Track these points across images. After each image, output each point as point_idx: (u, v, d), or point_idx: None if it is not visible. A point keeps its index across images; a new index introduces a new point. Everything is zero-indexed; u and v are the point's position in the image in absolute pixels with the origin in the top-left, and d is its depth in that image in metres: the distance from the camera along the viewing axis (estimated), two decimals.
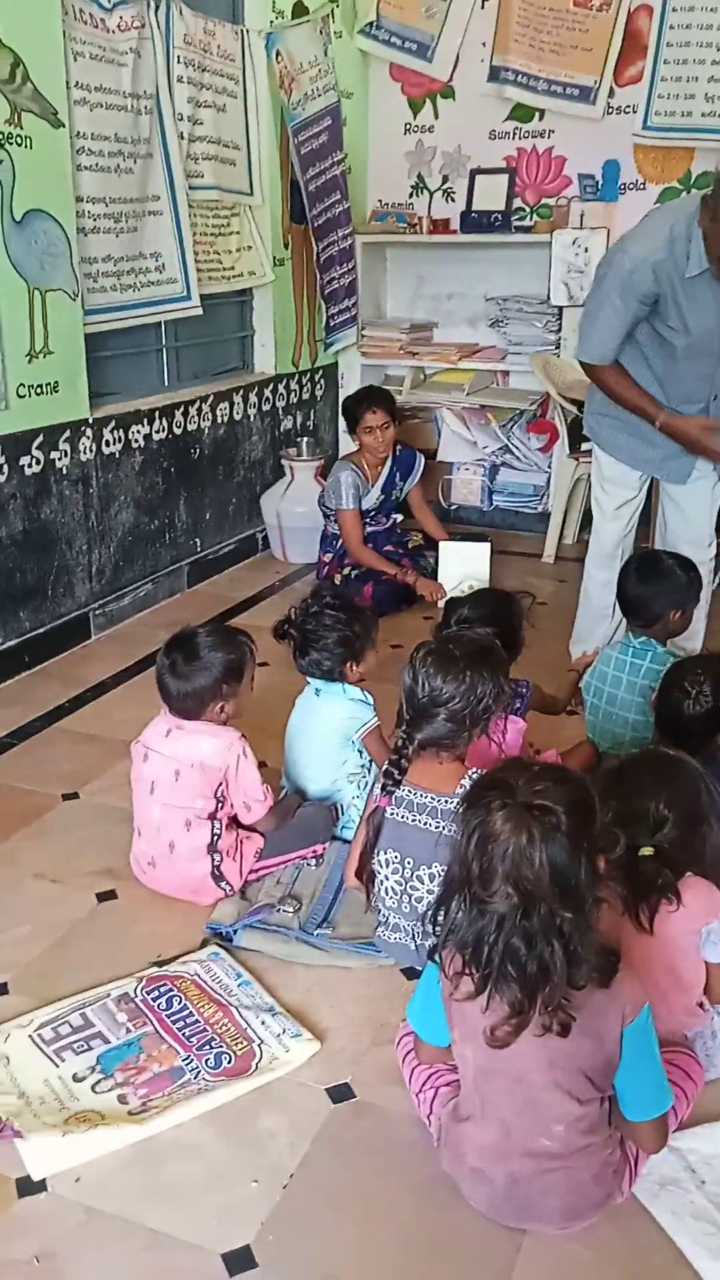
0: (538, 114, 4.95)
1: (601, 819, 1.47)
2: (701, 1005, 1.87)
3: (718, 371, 2.99)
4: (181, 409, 4.23)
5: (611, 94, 4.77)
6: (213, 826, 2.31)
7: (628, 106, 4.75)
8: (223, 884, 2.33)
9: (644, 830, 1.75)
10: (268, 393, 4.86)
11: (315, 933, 2.22)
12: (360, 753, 2.59)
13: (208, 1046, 1.91)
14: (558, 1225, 1.56)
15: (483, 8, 4.86)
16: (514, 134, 5.04)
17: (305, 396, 5.20)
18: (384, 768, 2.09)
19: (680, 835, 1.76)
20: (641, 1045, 1.49)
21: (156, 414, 4.08)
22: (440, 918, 1.53)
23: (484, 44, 4.90)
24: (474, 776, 2.02)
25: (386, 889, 2.11)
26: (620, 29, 4.65)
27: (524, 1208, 1.55)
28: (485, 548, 4.19)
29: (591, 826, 1.44)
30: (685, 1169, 1.68)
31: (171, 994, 2.04)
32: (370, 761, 2.59)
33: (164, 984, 2.07)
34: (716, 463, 3.11)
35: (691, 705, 2.26)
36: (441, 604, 3.92)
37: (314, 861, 2.43)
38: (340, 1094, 1.84)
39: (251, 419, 4.76)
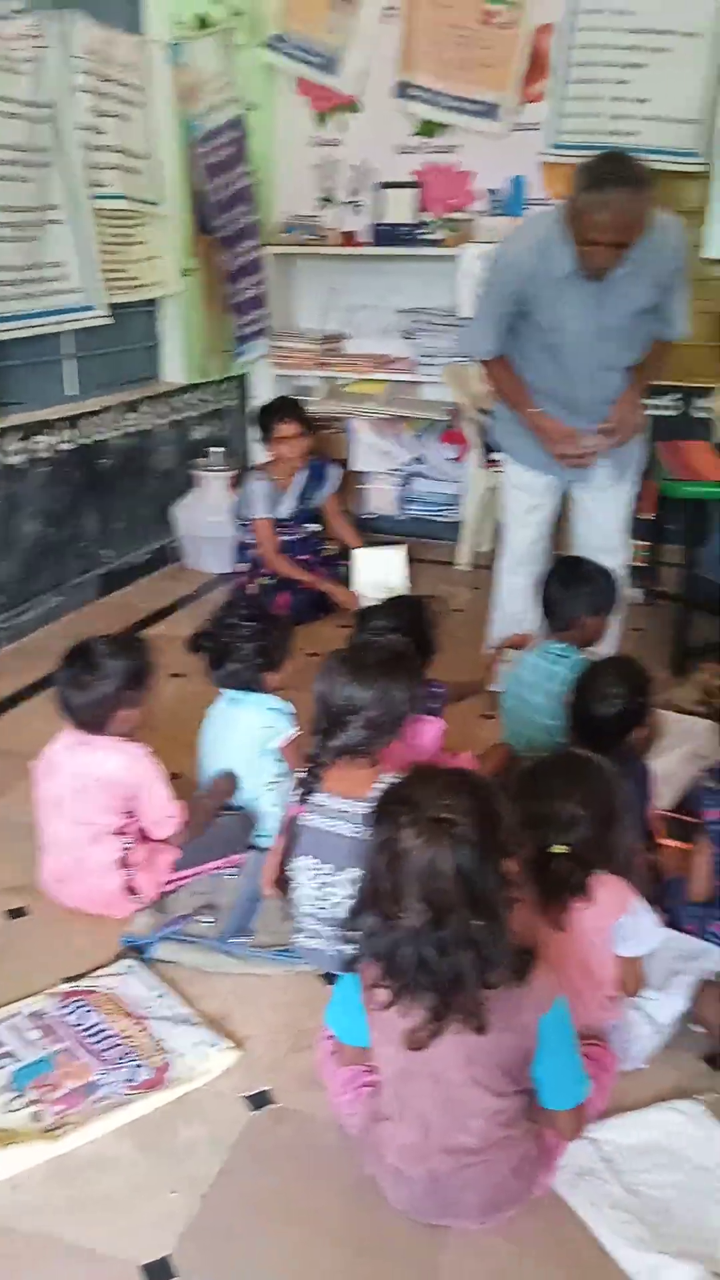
0: (444, 129, 5.01)
1: (509, 822, 1.48)
2: (614, 999, 1.90)
3: (599, 372, 3.00)
4: (89, 419, 4.18)
5: (517, 111, 4.86)
6: (122, 841, 2.27)
7: (533, 123, 4.83)
8: (137, 897, 2.29)
9: (557, 830, 1.77)
10: (177, 403, 4.82)
11: (233, 942, 2.20)
12: (278, 762, 2.58)
13: (123, 1060, 1.87)
14: (478, 1220, 1.56)
15: (387, 23, 4.91)
16: (421, 149, 5.09)
17: (216, 407, 5.18)
18: (300, 775, 2.09)
19: (593, 834, 1.79)
20: (558, 1035, 1.51)
21: (63, 424, 4.02)
22: (355, 929, 1.53)
23: (390, 59, 4.95)
24: (389, 780, 2.02)
25: (303, 895, 2.10)
26: (525, 47, 4.74)
27: (444, 1204, 1.55)
28: (400, 553, 4.22)
29: (498, 832, 1.45)
30: (602, 1160, 1.70)
31: (86, 1009, 2.00)
32: (288, 770, 2.58)
33: (78, 999, 2.02)
34: (565, 471, 3.15)
35: (604, 706, 2.28)
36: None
37: (231, 871, 2.41)
38: (259, 1101, 1.83)
39: (162, 429, 4.71)
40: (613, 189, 2.58)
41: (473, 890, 1.40)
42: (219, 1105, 1.81)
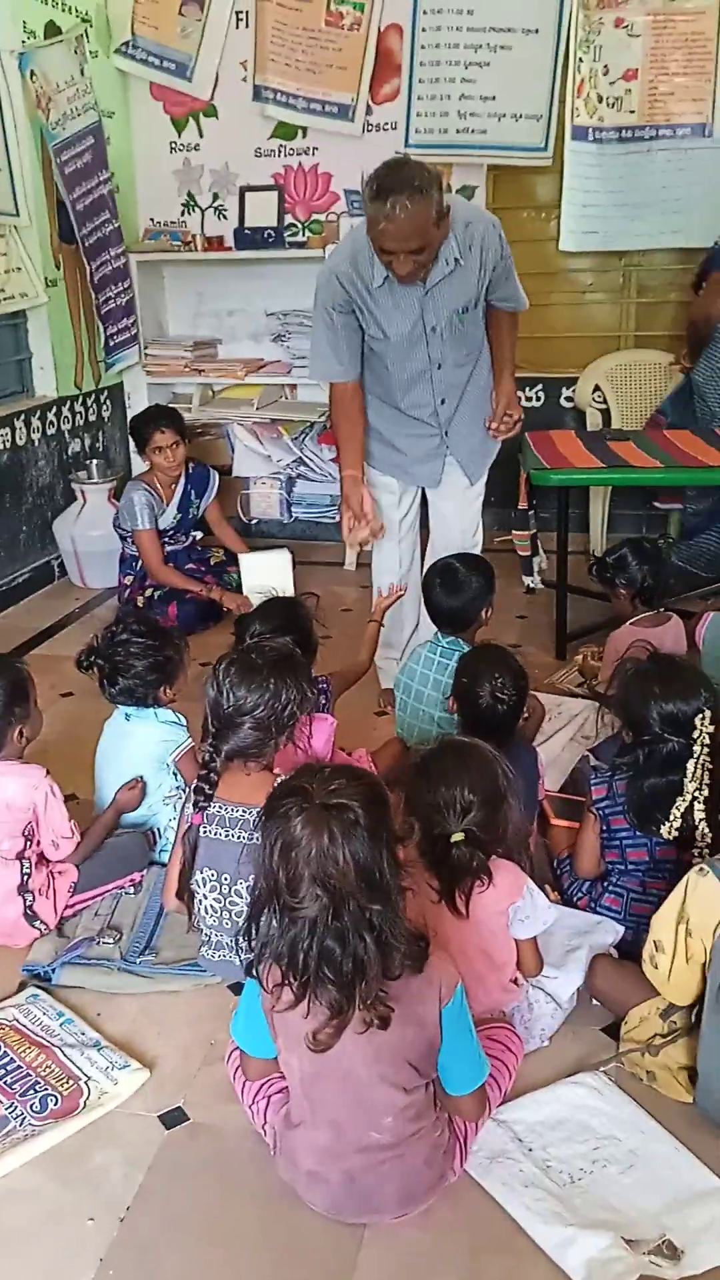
0: (300, 131, 5.04)
1: (397, 810, 1.52)
2: (515, 981, 1.95)
3: (435, 374, 3.03)
4: None
5: (370, 111, 4.91)
6: (21, 866, 2.23)
7: (388, 124, 4.90)
8: (37, 924, 2.26)
9: (450, 817, 1.80)
10: (51, 416, 4.75)
11: (138, 960, 2.18)
12: (175, 775, 2.57)
13: (31, 1091, 1.85)
14: (395, 1213, 1.59)
15: (237, 28, 4.91)
16: (279, 151, 5.11)
17: (92, 418, 5.11)
18: (194, 784, 2.09)
19: (484, 817, 1.82)
20: (458, 1023, 1.55)
21: None
22: (253, 933, 1.54)
23: (243, 63, 4.95)
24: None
25: (206, 907, 2.10)
26: (372, 48, 4.79)
27: (361, 1201, 1.58)
28: (285, 556, 4.22)
29: (388, 819, 1.48)
30: (513, 1139, 1.75)
31: None
32: (185, 784, 2.57)
33: None
34: (418, 476, 3.22)
35: (496, 705, 2.31)
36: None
37: (132, 889, 2.39)
38: (173, 1119, 1.82)
39: (36, 444, 4.63)
40: (393, 197, 2.55)
41: (368, 875, 1.42)
42: (132, 1127, 1.80)
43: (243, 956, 2.02)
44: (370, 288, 2.84)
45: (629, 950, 2.11)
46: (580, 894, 2.25)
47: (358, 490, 3.07)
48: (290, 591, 4.03)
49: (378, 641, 2.96)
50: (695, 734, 2.01)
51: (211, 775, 2.06)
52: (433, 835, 1.80)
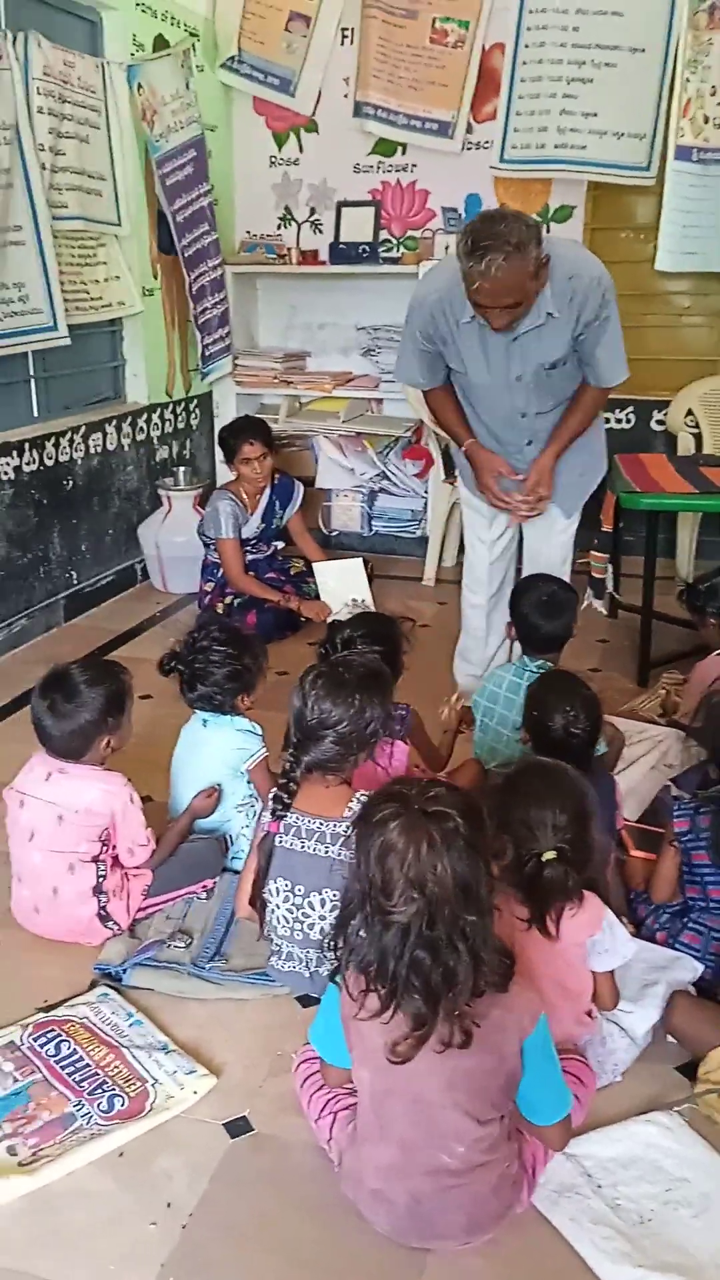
0: (400, 148, 5.06)
1: (490, 828, 1.50)
2: (590, 1014, 1.91)
3: (520, 421, 2.96)
4: (53, 440, 4.17)
5: (470, 129, 4.92)
6: (97, 869, 2.25)
7: (485, 141, 4.89)
8: (110, 924, 2.28)
9: (544, 835, 1.77)
10: (141, 422, 4.82)
11: (208, 966, 2.19)
12: (249, 784, 2.58)
13: (99, 1090, 1.86)
14: (460, 1240, 1.56)
15: (342, 44, 4.96)
16: (378, 167, 5.15)
17: (180, 426, 5.18)
18: (272, 792, 2.08)
19: (574, 837, 1.79)
20: (541, 1054, 1.52)
21: (27, 445, 4.00)
22: (340, 941, 1.53)
23: (345, 79, 4.99)
24: (362, 799, 2.03)
25: (278, 917, 2.09)
26: (475, 65, 4.80)
27: (426, 1225, 1.55)
28: (358, 563, 4.24)
29: (483, 832, 1.47)
30: (582, 1175, 1.71)
31: (60, 1039, 1.98)
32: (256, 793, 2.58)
33: (52, 1029, 2.01)
34: (494, 505, 3.13)
35: (569, 736, 2.25)
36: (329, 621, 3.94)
37: (204, 895, 2.40)
38: (238, 1128, 1.81)
39: (126, 449, 4.71)
40: (489, 255, 2.49)
41: (465, 885, 1.41)
42: (197, 1133, 1.80)
43: (315, 969, 2.04)
44: (459, 322, 2.79)
45: (708, 988, 2.06)
46: (659, 929, 2.20)
47: (488, 452, 3.03)
48: (368, 597, 4.05)
49: (454, 743, 2.90)
50: None
51: (290, 784, 2.06)
52: (521, 856, 1.77)
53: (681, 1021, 1.97)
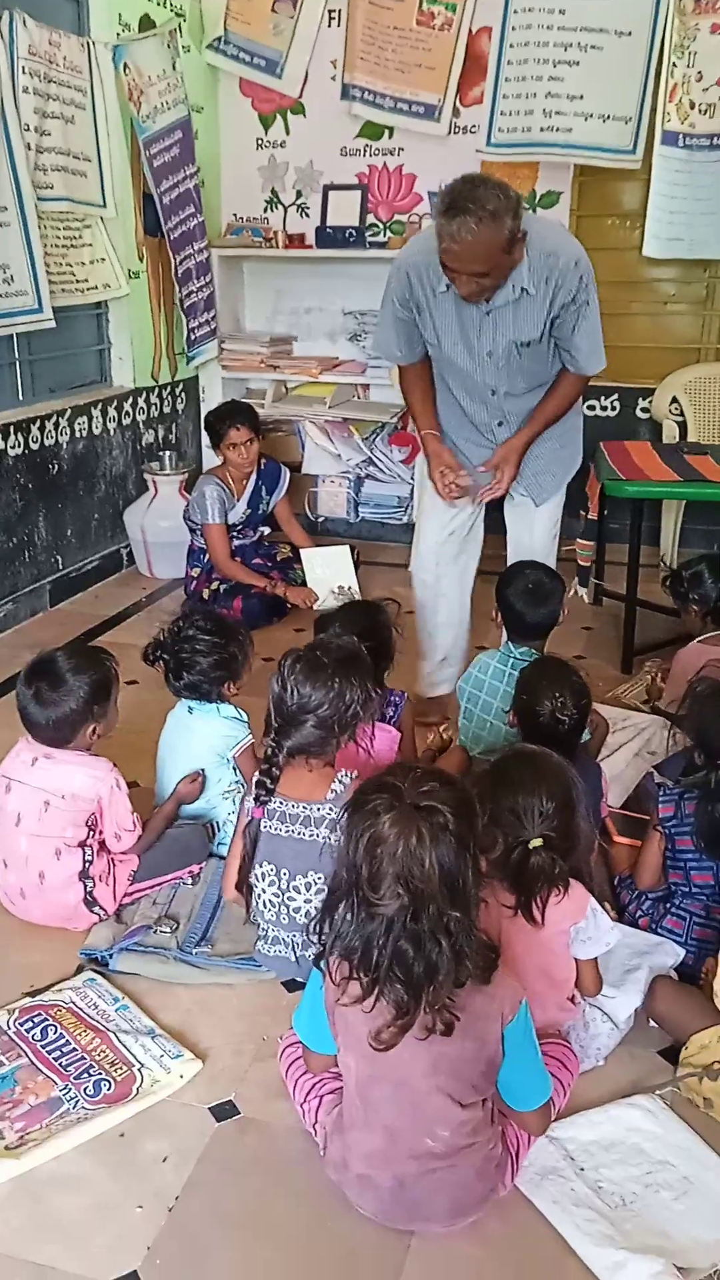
0: (387, 131, 5.04)
1: (481, 820, 1.50)
2: (573, 1000, 1.93)
3: (490, 399, 2.93)
4: (38, 424, 4.14)
5: (456, 113, 4.90)
6: (84, 854, 2.26)
7: (473, 125, 4.87)
8: (96, 909, 2.28)
9: (530, 823, 1.78)
10: (127, 406, 4.80)
11: (194, 951, 2.20)
12: (235, 770, 2.58)
13: (86, 1074, 1.87)
14: (445, 1223, 1.58)
15: (329, 26, 4.92)
16: (365, 151, 5.12)
17: (166, 410, 5.16)
18: (255, 778, 2.09)
19: (560, 824, 1.80)
20: (522, 1042, 1.53)
21: (11, 429, 3.98)
22: (325, 925, 1.53)
23: (332, 61, 4.96)
24: (344, 780, 2.04)
25: (264, 901, 2.10)
26: (462, 49, 4.78)
27: (411, 1209, 1.57)
28: (345, 550, 4.24)
29: (475, 827, 1.47)
30: (565, 1158, 1.73)
31: (46, 1023, 1.99)
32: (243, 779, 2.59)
33: (38, 1014, 2.01)
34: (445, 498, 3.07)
35: (557, 722, 2.27)
36: (316, 608, 3.95)
37: (190, 880, 2.41)
38: (224, 1112, 1.83)
39: (112, 433, 4.69)
40: (462, 217, 2.44)
41: (451, 881, 1.42)
42: (184, 1117, 1.81)
43: (301, 952, 2.05)
44: (435, 291, 2.75)
45: (689, 973, 2.09)
46: (642, 914, 2.22)
47: (440, 445, 3.00)
48: (354, 584, 4.05)
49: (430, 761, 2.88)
50: None
51: (273, 770, 2.06)
52: (508, 844, 1.78)
53: (663, 1006, 1.99)
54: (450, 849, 1.41)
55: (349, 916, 1.48)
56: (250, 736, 2.55)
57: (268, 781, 2.07)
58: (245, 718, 2.58)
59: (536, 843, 1.76)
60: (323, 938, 1.55)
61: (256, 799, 2.08)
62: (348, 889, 1.47)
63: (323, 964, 1.56)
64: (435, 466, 3.01)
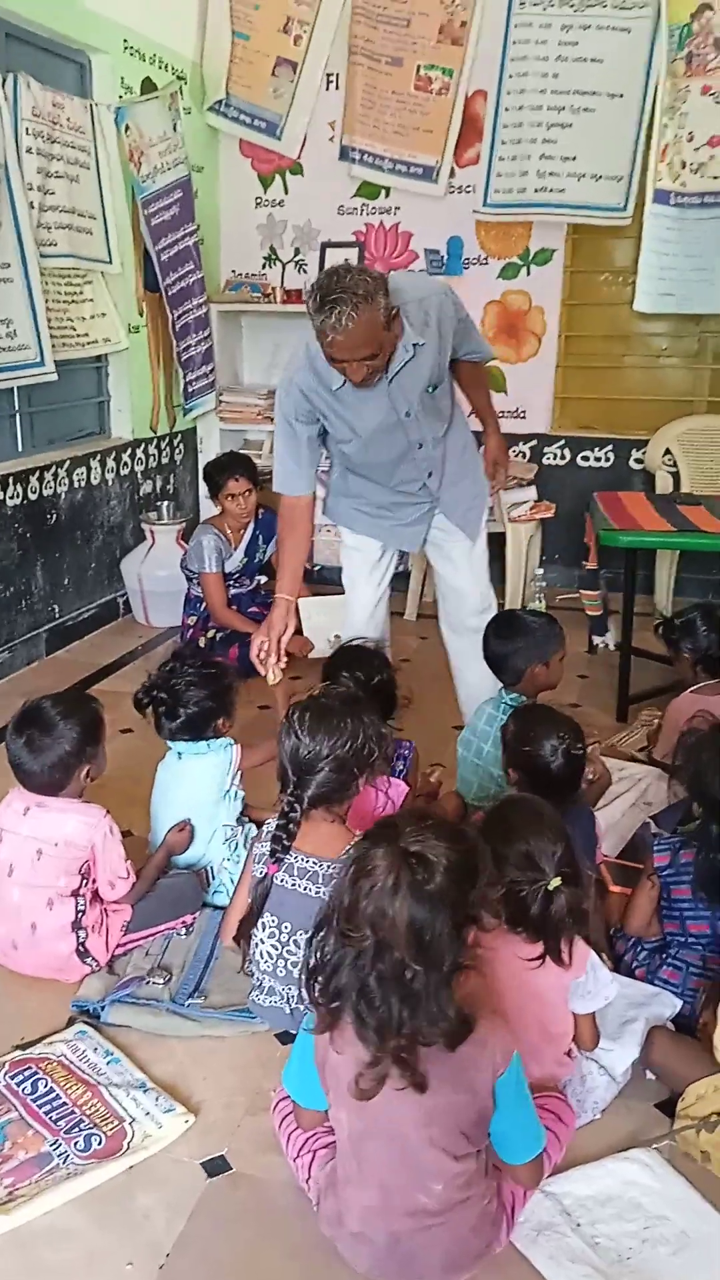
0: (384, 191, 5.15)
1: (481, 888, 1.46)
2: (570, 1054, 1.91)
3: (417, 454, 2.93)
4: (37, 474, 4.19)
5: (453, 174, 5.01)
6: (76, 903, 2.25)
7: (468, 185, 4.99)
8: (89, 960, 2.26)
9: (547, 866, 1.77)
10: (125, 457, 4.85)
11: (187, 1003, 2.17)
12: (235, 800, 2.58)
13: (76, 1129, 1.84)
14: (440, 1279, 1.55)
15: (328, 90, 5.05)
16: (362, 210, 5.23)
17: (164, 461, 5.21)
18: (271, 833, 2.07)
19: (570, 867, 1.79)
20: (514, 1093, 1.52)
21: (10, 479, 4.02)
22: (313, 944, 1.54)
23: (331, 123, 5.09)
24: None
25: (262, 952, 2.09)
26: (459, 113, 4.90)
27: (405, 1266, 1.54)
28: (341, 600, 4.25)
29: (466, 891, 1.43)
30: (561, 1213, 1.70)
31: (37, 1077, 1.96)
32: (240, 820, 2.58)
33: (28, 1067, 1.99)
34: (402, 539, 3.13)
35: (568, 760, 2.27)
36: (313, 656, 3.97)
37: (184, 931, 2.39)
38: (216, 1167, 1.80)
39: (110, 483, 4.73)
40: (338, 308, 2.45)
41: (418, 934, 1.40)
42: (175, 1172, 1.79)
43: (293, 1005, 2.04)
44: (333, 390, 2.75)
45: (686, 1024, 2.07)
46: (638, 965, 2.20)
47: (285, 616, 2.95)
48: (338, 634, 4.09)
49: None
50: None
51: (291, 825, 2.05)
52: (522, 894, 1.75)
53: (660, 1058, 1.97)
54: (424, 903, 1.39)
55: (330, 941, 1.48)
56: (237, 746, 2.58)
57: (284, 838, 2.05)
58: (229, 741, 2.58)
59: (556, 882, 1.75)
60: (306, 954, 1.54)
61: (272, 854, 2.06)
62: (331, 914, 1.47)
63: (309, 988, 1.53)
64: (259, 637, 2.92)
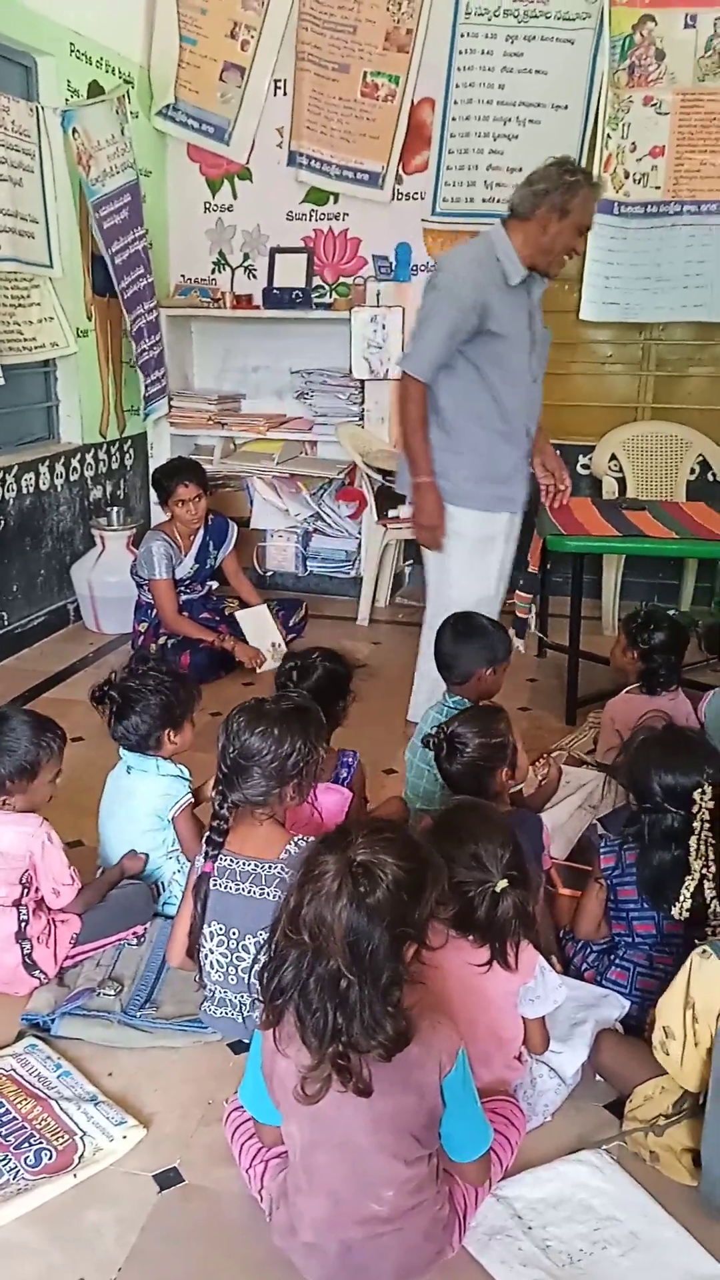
0: (332, 197, 5.16)
1: (429, 907, 1.47)
2: (519, 1058, 1.93)
3: (532, 389, 3.19)
4: None
5: (400, 180, 5.03)
6: (18, 913, 2.22)
7: (416, 193, 5.02)
8: (36, 972, 2.24)
9: (493, 868, 1.77)
10: (75, 462, 4.81)
11: (139, 1014, 2.16)
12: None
13: (26, 1144, 1.83)
14: None
15: (275, 95, 5.05)
16: (310, 215, 5.23)
17: (114, 466, 5.18)
18: (206, 834, 2.08)
19: (518, 868, 1.80)
20: (461, 1092, 1.53)
21: None
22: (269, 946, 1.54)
23: (279, 129, 5.09)
24: (299, 844, 2.04)
25: (212, 962, 2.08)
26: (404, 119, 4.93)
27: (358, 1274, 1.55)
28: (264, 609, 4.31)
29: (410, 908, 1.44)
30: (512, 1216, 1.72)
31: None
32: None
33: None
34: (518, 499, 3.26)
35: (451, 760, 2.31)
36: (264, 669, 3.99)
37: (135, 941, 2.38)
38: (168, 1179, 1.80)
39: (59, 489, 4.69)
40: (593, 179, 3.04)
41: (355, 945, 1.40)
42: (127, 1186, 1.78)
43: (246, 1014, 2.04)
44: (508, 285, 3.01)
45: (634, 1025, 2.10)
46: (587, 966, 2.23)
47: (439, 501, 3.14)
48: (280, 641, 4.12)
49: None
50: (695, 809, 2.00)
51: (222, 824, 2.06)
52: (470, 896, 1.76)
53: (609, 1059, 1.99)
54: (365, 914, 1.39)
55: (279, 940, 1.48)
56: (190, 796, 2.54)
57: (217, 836, 2.06)
58: (188, 775, 2.56)
59: (503, 884, 1.76)
60: (261, 953, 1.54)
61: (206, 854, 2.07)
62: (281, 912, 1.48)
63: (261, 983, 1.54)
64: (426, 522, 3.13)
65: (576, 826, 2.83)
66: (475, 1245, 1.66)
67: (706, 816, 1.99)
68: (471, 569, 3.25)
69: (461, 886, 1.77)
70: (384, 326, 4.80)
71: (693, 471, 4.97)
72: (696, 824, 1.99)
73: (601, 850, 2.22)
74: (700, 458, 4.95)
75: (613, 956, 2.20)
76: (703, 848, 1.98)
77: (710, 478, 4.94)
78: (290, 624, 4.54)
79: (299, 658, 2.68)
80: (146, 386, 5.03)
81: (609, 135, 4.59)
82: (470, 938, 1.80)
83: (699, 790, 2.00)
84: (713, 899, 1.97)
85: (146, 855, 2.52)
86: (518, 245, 3.01)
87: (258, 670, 4.10)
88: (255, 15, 4.95)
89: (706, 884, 1.97)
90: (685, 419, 4.99)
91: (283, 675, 2.64)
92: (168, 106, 5.12)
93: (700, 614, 4.63)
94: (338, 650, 2.76)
